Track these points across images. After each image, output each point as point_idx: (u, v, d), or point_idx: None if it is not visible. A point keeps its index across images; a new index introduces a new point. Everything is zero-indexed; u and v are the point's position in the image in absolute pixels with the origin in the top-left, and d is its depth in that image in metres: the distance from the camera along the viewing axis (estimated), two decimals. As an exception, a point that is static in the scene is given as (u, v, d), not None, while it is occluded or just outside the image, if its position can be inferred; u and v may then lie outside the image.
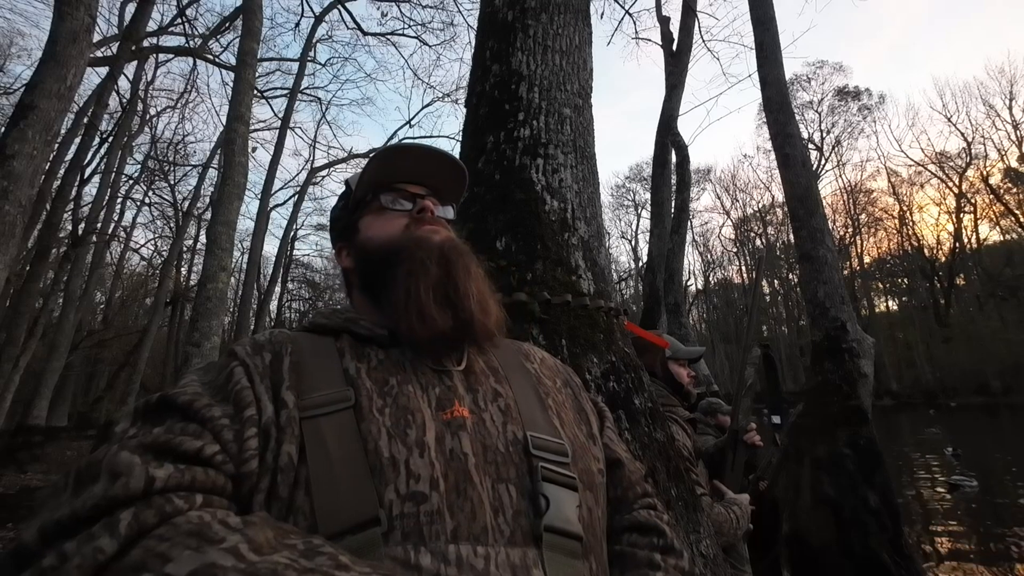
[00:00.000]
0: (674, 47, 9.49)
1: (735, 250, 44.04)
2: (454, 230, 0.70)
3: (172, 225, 20.90)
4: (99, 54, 10.85)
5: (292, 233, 23.82)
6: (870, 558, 3.51)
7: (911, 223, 36.47)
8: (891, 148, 59.50)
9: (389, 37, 15.61)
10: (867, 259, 39.20)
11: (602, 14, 21.06)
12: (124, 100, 13.34)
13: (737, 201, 43.29)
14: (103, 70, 11.17)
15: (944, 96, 62.95)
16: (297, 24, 15.03)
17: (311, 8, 18.08)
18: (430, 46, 15.62)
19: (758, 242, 41.58)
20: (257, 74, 9.38)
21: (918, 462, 10.06)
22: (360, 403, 0.51)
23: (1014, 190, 30.98)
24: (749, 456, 2.24)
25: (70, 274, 12.21)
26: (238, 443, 0.46)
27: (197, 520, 0.37)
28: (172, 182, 19.81)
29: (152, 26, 12.39)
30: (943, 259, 34.86)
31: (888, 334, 35.25)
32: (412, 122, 18.88)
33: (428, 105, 19.09)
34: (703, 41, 11.16)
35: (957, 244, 33.73)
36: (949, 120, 33.60)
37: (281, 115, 15.68)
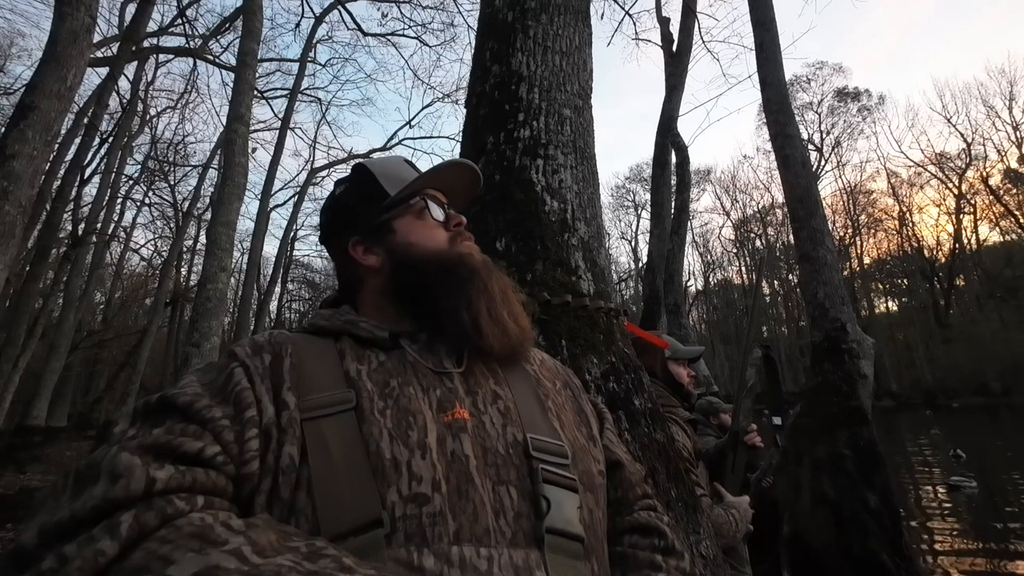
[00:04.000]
0: (674, 48, 9.49)
1: (735, 251, 44.08)
2: None
3: (172, 225, 20.93)
4: (99, 54, 10.85)
5: (292, 233, 23.82)
6: (870, 559, 3.50)
7: (911, 224, 36.52)
8: (891, 149, 59.55)
9: (389, 38, 15.63)
10: (867, 260, 39.26)
11: (602, 15, 21.03)
12: (124, 100, 13.35)
13: (737, 202, 43.34)
14: (103, 70, 11.18)
15: (944, 97, 62.88)
16: (297, 25, 15.03)
17: (311, 9, 18.11)
18: (430, 47, 15.64)
19: (758, 243, 41.62)
20: (257, 75, 9.38)
21: (918, 463, 10.06)
22: (361, 405, 0.51)
23: (1014, 191, 31.00)
24: (750, 457, 2.24)
25: (70, 274, 12.21)
26: (239, 444, 0.45)
27: (199, 522, 0.37)
28: (172, 182, 19.85)
29: (152, 26, 12.40)
30: (943, 260, 34.88)
31: (888, 335, 35.23)
32: (412, 123, 18.91)
33: (428, 105, 19.15)
34: (703, 42, 11.17)
35: (957, 245, 33.75)
36: (949, 121, 33.63)
37: (281, 116, 15.69)
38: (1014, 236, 31.22)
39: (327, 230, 0.74)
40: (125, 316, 24.44)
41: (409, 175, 0.70)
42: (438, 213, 0.68)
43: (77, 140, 10.85)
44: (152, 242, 24.79)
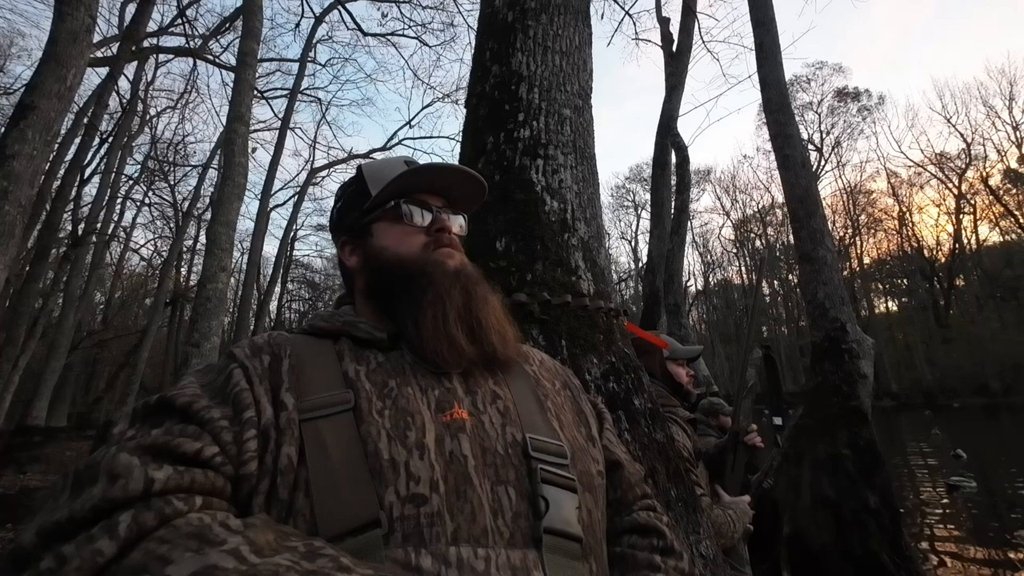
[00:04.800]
0: (674, 48, 9.50)
1: (735, 251, 44.07)
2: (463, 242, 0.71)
3: (172, 225, 20.91)
4: (99, 54, 10.85)
5: (292, 233, 23.82)
6: (870, 559, 3.51)
7: (911, 224, 36.50)
8: (891, 149, 59.63)
9: (389, 38, 15.64)
10: (867, 260, 39.22)
11: (602, 15, 21.10)
12: (124, 100, 13.34)
13: (737, 202, 43.30)
14: (103, 70, 11.18)
15: (944, 97, 62.92)
16: (297, 25, 15.06)
17: (311, 9, 18.16)
18: (430, 47, 15.65)
19: (758, 243, 41.61)
20: (257, 74, 9.37)
21: (917, 463, 10.06)
22: (360, 405, 0.51)
23: (1013, 191, 30.98)
24: (749, 457, 2.24)
25: (70, 274, 12.21)
26: (237, 445, 0.45)
27: (197, 522, 0.37)
28: (172, 182, 19.84)
29: (152, 26, 12.40)
30: (943, 260, 34.87)
31: (888, 335, 35.22)
32: (412, 123, 18.90)
33: (428, 106, 19.13)
34: (703, 42, 11.18)
35: (957, 245, 33.73)
36: (949, 121, 33.59)
37: (281, 115, 15.69)
38: (1014, 236, 31.22)
39: (330, 229, 0.77)
40: (125, 316, 24.42)
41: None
42: (420, 217, 0.67)
43: (77, 140, 10.85)
44: (152, 242, 24.80)
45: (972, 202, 33.13)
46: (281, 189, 22.22)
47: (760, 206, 41.23)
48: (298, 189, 20.28)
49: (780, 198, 31.95)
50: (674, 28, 9.88)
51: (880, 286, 40.36)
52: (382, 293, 0.64)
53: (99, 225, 13.96)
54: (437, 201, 0.70)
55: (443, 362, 0.57)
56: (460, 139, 1.88)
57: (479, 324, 0.60)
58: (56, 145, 9.04)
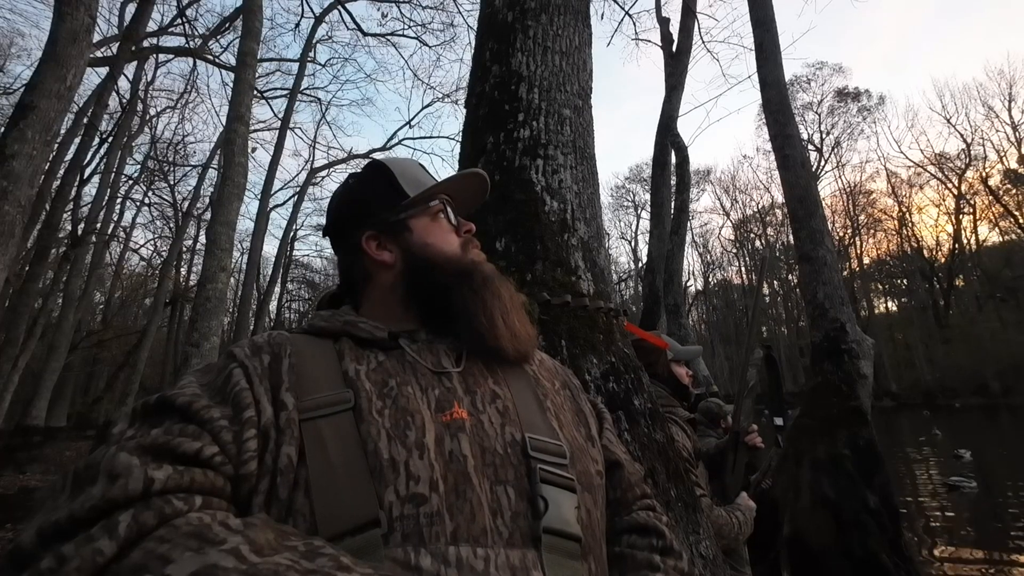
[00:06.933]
0: (674, 48, 9.51)
1: (735, 251, 44.08)
2: None
3: (172, 225, 20.93)
4: (99, 54, 10.86)
5: (292, 233, 23.84)
6: (870, 559, 3.51)
7: (910, 224, 36.50)
8: (890, 149, 59.70)
9: (389, 38, 15.66)
10: (866, 260, 39.24)
11: (602, 15, 21.08)
12: (124, 100, 13.35)
13: (737, 202, 43.30)
14: (103, 70, 11.19)
15: (943, 97, 62.85)
16: (297, 25, 15.08)
17: (311, 9, 18.16)
18: (430, 47, 15.67)
19: (758, 243, 41.63)
20: (257, 74, 9.38)
21: (917, 463, 10.06)
22: (359, 405, 0.51)
23: (1013, 191, 30.99)
24: (750, 457, 2.24)
25: (69, 274, 12.23)
26: (237, 444, 0.45)
27: (197, 522, 0.37)
28: (172, 182, 19.87)
29: (152, 26, 12.43)
30: (942, 260, 34.88)
31: (888, 335, 35.24)
32: (412, 123, 18.94)
33: (428, 106, 19.19)
34: (703, 42, 11.19)
35: (956, 245, 33.75)
36: (948, 121, 33.63)
37: (281, 115, 15.72)
38: (1013, 236, 31.23)
39: (337, 223, 0.73)
40: (125, 316, 24.46)
41: (425, 178, 0.72)
42: (452, 218, 0.71)
43: (77, 140, 10.86)
44: (152, 242, 24.80)
45: (972, 202, 33.15)
46: (281, 189, 22.28)
47: (760, 206, 41.28)
48: (298, 189, 20.34)
49: (780, 198, 32.00)
50: (674, 28, 9.91)
51: (880, 286, 40.37)
52: (427, 287, 0.65)
53: (99, 225, 13.98)
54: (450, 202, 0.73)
55: (504, 351, 0.61)
56: (460, 139, 1.88)
57: (520, 319, 0.65)
58: (56, 145, 9.03)
